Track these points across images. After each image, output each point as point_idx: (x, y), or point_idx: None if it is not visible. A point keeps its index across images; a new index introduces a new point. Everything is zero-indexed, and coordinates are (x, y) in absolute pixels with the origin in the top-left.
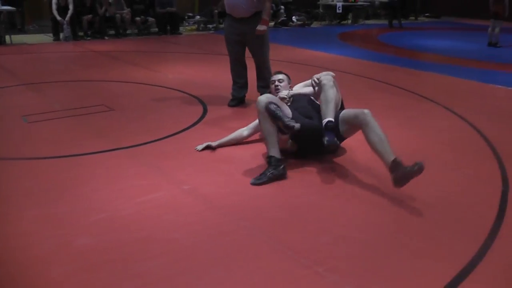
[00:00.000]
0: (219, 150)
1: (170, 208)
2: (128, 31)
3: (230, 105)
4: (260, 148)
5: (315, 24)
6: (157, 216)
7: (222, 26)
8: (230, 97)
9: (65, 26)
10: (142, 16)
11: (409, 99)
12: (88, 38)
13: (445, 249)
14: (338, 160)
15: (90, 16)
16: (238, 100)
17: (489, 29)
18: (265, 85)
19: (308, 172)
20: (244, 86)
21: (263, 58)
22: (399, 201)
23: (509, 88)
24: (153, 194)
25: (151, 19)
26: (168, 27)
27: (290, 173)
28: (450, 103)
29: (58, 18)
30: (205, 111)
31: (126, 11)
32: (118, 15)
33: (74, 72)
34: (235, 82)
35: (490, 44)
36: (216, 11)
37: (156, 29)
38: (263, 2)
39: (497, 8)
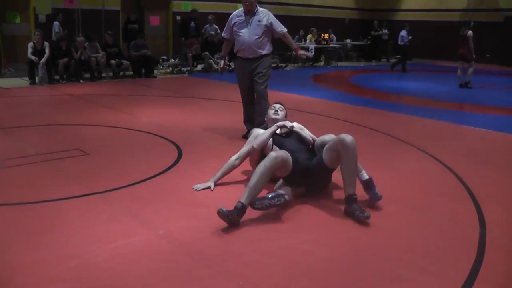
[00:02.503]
0: (195, 193)
1: (144, 254)
2: (103, 74)
3: (244, 137)
4: (237, 190)
5: (289, 67)
6: (131, 262)
7: (196, 69)
8: (204, 140)
9: (40, 66)
10: (116, 59)
11: (382, 140)
12: (64, 81)
13: None
14: (317, 203)
15: (65, 59)
16: None
17: (458, 71)
18: (263, 120)
19: (285, 216)
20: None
21: (263, 90)
22: (377, 245)
23: (482, 129)
24: (127, 240)
25: (125, 62)
26: (143, 70)
27: (267, 217)
28: (423, 144)
29: (33, 57)
30: (180, 154)
31: (101, 55)
32: (93, 59)
33: (49, 116)
34: (246, 121)
35: (461, 86)
36: (190, 54)
37: (131, 72)
38: (286, 39)
39: (463, 51)
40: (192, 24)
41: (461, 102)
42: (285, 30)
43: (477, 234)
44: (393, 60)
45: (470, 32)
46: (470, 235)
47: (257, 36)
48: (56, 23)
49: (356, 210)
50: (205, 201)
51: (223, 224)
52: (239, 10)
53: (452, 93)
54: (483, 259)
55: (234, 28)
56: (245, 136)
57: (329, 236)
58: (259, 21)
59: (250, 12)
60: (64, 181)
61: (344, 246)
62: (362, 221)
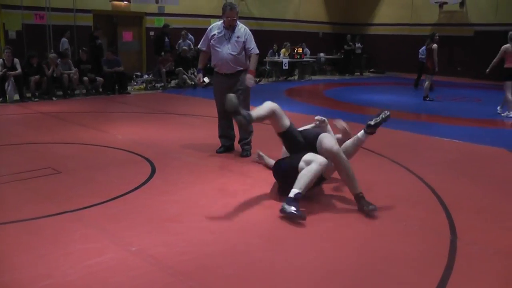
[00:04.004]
0: (168, 209)
1: (117, 271)
2: (76, 91)
3: (218, 152)
4: (211, 207)
5: (263, 81)
6: (104, 279)
7: (170, 85)
8: (178, 156)
9: (10, 81)
10: (90, 74)
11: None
12: (36, 99)
13: None
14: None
15: (37, 76)
16: (226, 148)
17: (425, 83)
18: (249, 139)
19: (259, 229)
20: (233, 137)
21: (247, 107)
22: (347, 255)
23: (453, 140)
24: (100, 257)
25: (99, 78)
26: (116, 87)
27: (241, 230)
28: (396, 155)
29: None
30: (153, 171)
31: (74, 71)
32: (65, 75)
33: (20, 135)
34: (223, 136)
35: (425, 98)
36: (164, 70)
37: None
38: (250, 59)
39: (427, 63)
40: (166, 39)
41: (432, 114)
42: (257, 51)
43: (448, 241)
44: (366, 73)
45: (435, 45)
46: (441, 243)
47: (236, 53)
48: (64, 39)
49: (364, 206)
50: (179, 216)
51: (197, 238)
52: (219, 23)
53: (423, 105)
54: (453, 265)
55: (212, 41)
56: (219, 151)
57: (302, 248)
58: (238, 37)
59: (230, 28)
60: (36, 200)
61: (318, 258)
62: (371, 214)
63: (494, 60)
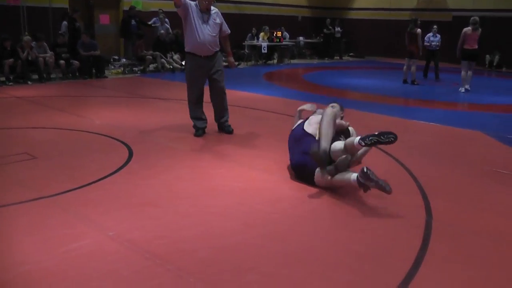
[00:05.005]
0: (145, 193)
1: (94, 256)
2: (52, 75)
3: (197, 135)
4: (188, 190)
5: (241, 65)
6: (81, 265)
7: (148, 69)
8: (156, 139)
9: None
10: (65, 55)
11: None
12: (10, 83)
13: (369, 282)
14: (269, 198)
15: (11, 60)
16: (203, 130)
17: (404, 67)
18: (227, 117)
19: (236, 212)
20: (206, 120)
21: (224, 86)
22: (326, 237)
23: (431, 123)
24: (78, 243)
25: (75, 62)
26: (93, 71)
27: (218, 214)
28: None
29: None
30: (130, 155)
31: (49, 55)
32: (41, 59)
33: None
34: (198, 119)
35: (405, 82)
36: (147, 56)
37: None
38: (225, 41)
39: (411, 48)
40: (133, 22)
41: (411, 98)
42: (229, 31)
43: (424, 223)
44: (345, 57)
45: (419, 30)
46: (417, 224)
47: (215, 34)
48: (64, 23)
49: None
50: (156, 200)
51: (174, 222)
52: (192, 3)
53: (401, 89)
54: (428, 246)
55: (190, 19)
56: (199, 134)
57: (277, 231)
58: (214, 19)
59: (207, 11)
60: (12, 186)
61: (293, 240)
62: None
63: (459, 43)
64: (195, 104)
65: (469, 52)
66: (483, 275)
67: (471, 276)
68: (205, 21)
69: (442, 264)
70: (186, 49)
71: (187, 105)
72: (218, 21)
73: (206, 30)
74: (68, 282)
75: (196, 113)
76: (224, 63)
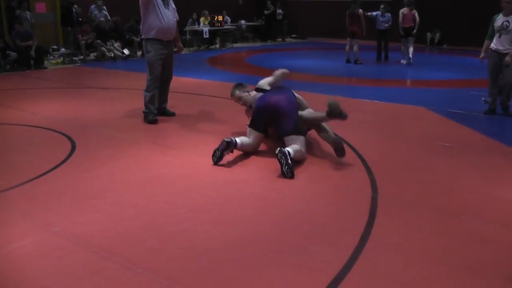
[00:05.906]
0: (89, 186)
1: (40, 254)
2: None
3: (152, 121)
4: (133, 181)
5: (184, 51)
6: (26, 264)
7: (89, 58)
8: (99, 130)
9: None
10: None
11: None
12: None
13: (317, 260)
14: (211, 184)
15: None
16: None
17: (347, 47)
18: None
19: (180, 199)
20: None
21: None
22: (273, 218)
23: (374, 101)
24: (21, 242)
25: (12, 53)
26: (32, 62)
27: (162, 202)
28: None
29: None
30: (73, 148)
31: None
32: None
33: None
34: (153, 104)
35: (348, 62)
36: (83, 42)
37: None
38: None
39: (353, 28)
40: (74, 9)
41: (354, 77)
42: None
43: (369, 199)
44: (288, 39)
45: (361, 11)
46: (363, 201)
47: (175, 19)
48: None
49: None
50: (101, 192)
51: (120, 213)
52: None
53: (344, 68)
54: (374, 221)
55: (154, 4)
56: (154, 119)
57: (224, 216)
58: (171, 4)
59: None
60: None
61: (241, 224)
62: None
63: (399, 22)
64: (154, 89)
65: (407, 29)
66: (427, 246)
67: (415, 247)
68: (166, 6)
69: (388, 238)
70: (148, 36)
71: (130, 94)
72: (174, 6)
73: (169, 15)
74: (13, 282)
75: (153, 99)
76: None
